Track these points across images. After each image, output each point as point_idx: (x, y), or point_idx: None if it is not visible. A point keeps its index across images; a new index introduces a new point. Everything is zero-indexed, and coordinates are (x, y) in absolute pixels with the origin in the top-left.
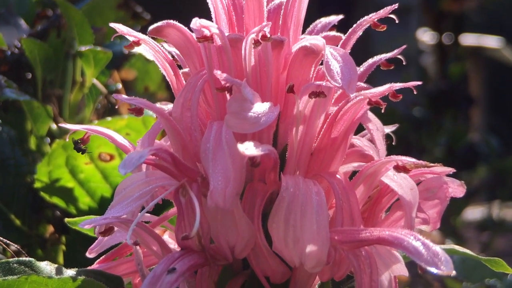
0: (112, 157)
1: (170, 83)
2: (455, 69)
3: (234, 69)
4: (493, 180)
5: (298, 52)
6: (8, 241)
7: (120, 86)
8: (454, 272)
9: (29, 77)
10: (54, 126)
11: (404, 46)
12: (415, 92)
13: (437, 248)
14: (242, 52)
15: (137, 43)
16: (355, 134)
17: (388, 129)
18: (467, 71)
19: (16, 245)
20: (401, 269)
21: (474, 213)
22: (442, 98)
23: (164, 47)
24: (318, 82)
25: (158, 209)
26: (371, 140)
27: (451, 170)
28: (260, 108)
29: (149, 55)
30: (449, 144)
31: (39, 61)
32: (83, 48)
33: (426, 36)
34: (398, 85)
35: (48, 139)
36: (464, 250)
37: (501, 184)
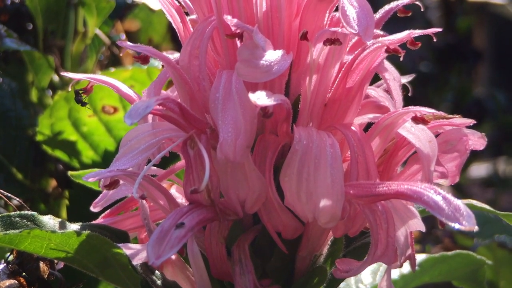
0: (116, 110)
1: (177, 30)
2: (463, 23)
3: (245, 15)
4: (498, 136)
5: None
6: (10, 195)
7: (123, 37)
8: (476, 228)
9: (30, 27)
10: (56, 78)
11: None
12: (434, 39)
13: (459, 202)
14: None
15: None
16: (370, 84)
17: (405, 79)
18: (472, 27)
19: (18, 199)
20: (417, 224)
21: (479, 169)
22: (449, 52)
23: None
24: (333, 29)
25: (164, 162)
26: (387, 91)
27: (471, 121)
28: (272, 55)
29: (154, 2)
30: (456, 100)
31: (40, 11)
32: None
33: None
34: (418, 32)
35: (50, 91)
36: (482, 205)
37: (507, 140)
